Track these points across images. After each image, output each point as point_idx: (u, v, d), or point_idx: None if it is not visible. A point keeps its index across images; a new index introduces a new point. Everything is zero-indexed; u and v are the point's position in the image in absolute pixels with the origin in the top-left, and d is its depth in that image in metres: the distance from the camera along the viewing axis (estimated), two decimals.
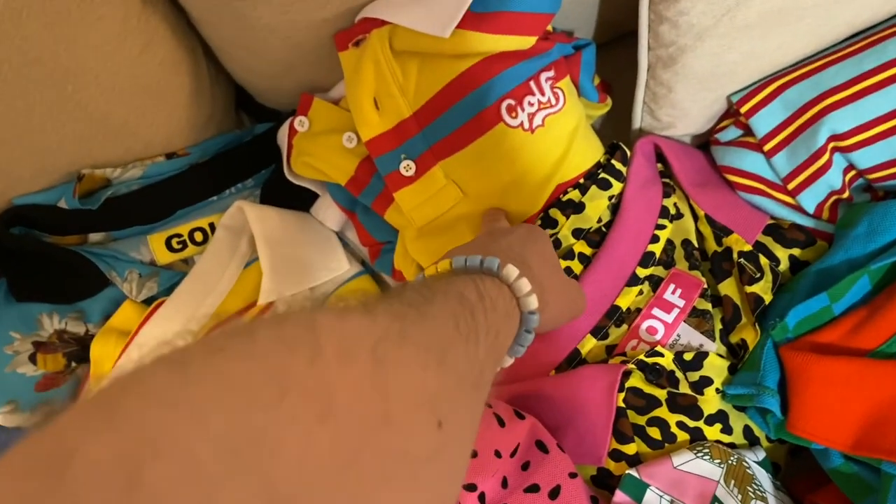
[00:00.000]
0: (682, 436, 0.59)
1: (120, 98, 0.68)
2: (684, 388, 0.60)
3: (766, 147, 0.64)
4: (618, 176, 0.67)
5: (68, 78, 0.64)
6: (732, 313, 0.62)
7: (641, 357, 0.60)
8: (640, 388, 0.60)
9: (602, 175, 0.66)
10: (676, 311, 0.63)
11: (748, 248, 0.63)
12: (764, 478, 0.57)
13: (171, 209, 0.74)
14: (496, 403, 0.59)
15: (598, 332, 0.63)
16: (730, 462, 0.56)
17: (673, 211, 0.67)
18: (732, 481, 0.56)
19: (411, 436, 0.28)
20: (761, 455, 0.59)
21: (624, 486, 0.56)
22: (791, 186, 0.64)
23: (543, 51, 0.64)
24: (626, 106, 0.72)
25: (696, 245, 0.67)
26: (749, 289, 0.61)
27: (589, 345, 0.63)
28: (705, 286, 0.64)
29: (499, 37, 0.61)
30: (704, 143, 0.73)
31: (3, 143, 0.66)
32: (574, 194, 0.65)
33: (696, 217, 0.68)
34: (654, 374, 0.60)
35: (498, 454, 0.55)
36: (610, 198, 0.67)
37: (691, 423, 0.59)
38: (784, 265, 0.64)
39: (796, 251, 0.64)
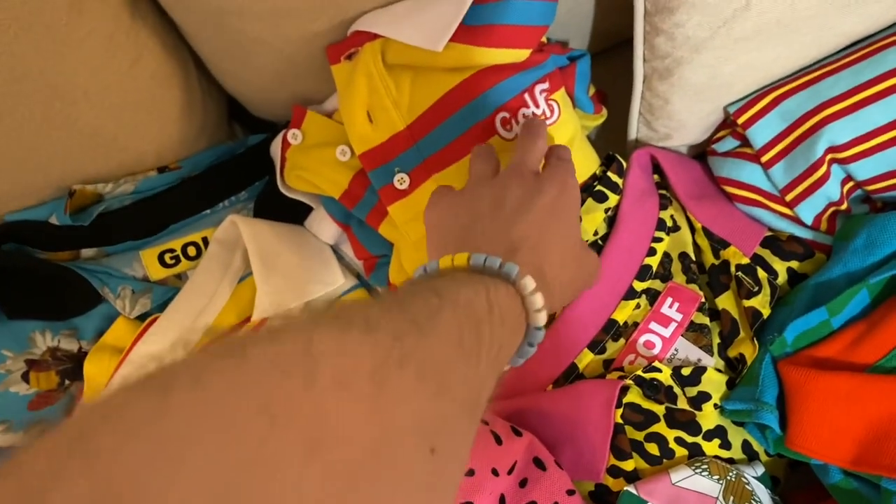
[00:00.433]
0: (681, 451, 0.59)
1: (110, 113, 0.68)
2: (682, 404, 0.60)
3: (764, 158, 0.64)
4: (614, 188, 0.67)
5: (57, 94, 0.64)
6: (730, 327, 0.62)
7: (639, 372, 0.60)
8: (638, 403, 0.60)
9: (598, 187, 0.66)
10: (674, 325, 0.63)
11: (746, 260, 0.63)
12: (763, 493, 0.57)
13: (164, 224, 0.73)
14: (493, 420, 0.59)
15: (596, 346, 0.63)
16: (728, 478, 0.56)
17: (670, 223, 0.67)
18: (731, 497, 0.56)
19: (405, 466, 0.28)
20: (760, 470, 0.59)
21: (622, 502, 0.56)
22: (789, 198, 0.63)
23: (538, 63, 0.64)
24: (621, 115, 0.72)
25: (694, 258, 0.67)
26: (747, 303, 0.61)
27: (586, 359, 0.63)
28: (703, 300, 0.64)
29: (492, 50, 0.61)
30: (701, 153, 0.73)
31: None
32: None
33: (693, 229, 0.68)
34: (652, 389, 0.60)
35: (495, 472, 0.56)
36: (606, 210, 0.67)
37: (689, 439, 0.59)
38: (782, 278, 0.64)
39: (794, 264, 0.64)
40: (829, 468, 0.56)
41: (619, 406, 0.59)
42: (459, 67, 0.62)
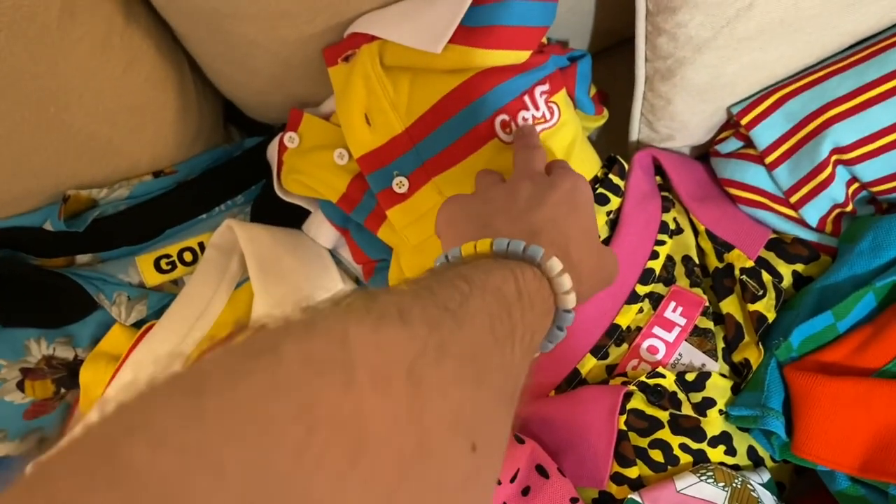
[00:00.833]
0: (685, 458, 0.60)
1: (104, 117, 0.67)
2: (687, 410, 0.60)
3: (768, 159, 0.64)
4: (615, 191, 0.67)
5: (50, 98, 0.63)
6: (735, 332, 0.62)
7: (643, 378, 0.60)
8: (642, 409, 0.60)
9: (600, 190, 0.67)
10: (678, 329, 0.63)
11: (750, 264, 0.64)
12: (769, 500, 0.58)
13: (160, 229, 0.73)
14: None
15: (598, 351, 0.63)
16: (734, 485, 0.57)
17: (672, 226, 0.68)
18: None
19: (447, 465, 0.27)
20: (766, 477, 0.59)
21: None
22: (793, 199, 0.64)
23: (538, 64, 0.64)
24: (623, 116, 0.72)
25: (697, 261, 0.67)
26: (752, 307, 0.62)
27: (589, 364, 0.63)
28: (707, 304, 0.64)
29: (492, 51, 0.61)
30: (704, 154, 0.73)
31: None
32: None
33: (696, 232, 0.68)
34: (656, 395, 0.60)
35: (497, 481, 0.55)
36: (608, 213, 0.67)
37: (694, 446, 0.60)
38: (787, 281, 0.64)
39: (799, 267, 0.64)
40: (835, 475, 0.56)
41: (622, 412, 0.59)
42: (458, 69, 0.62)
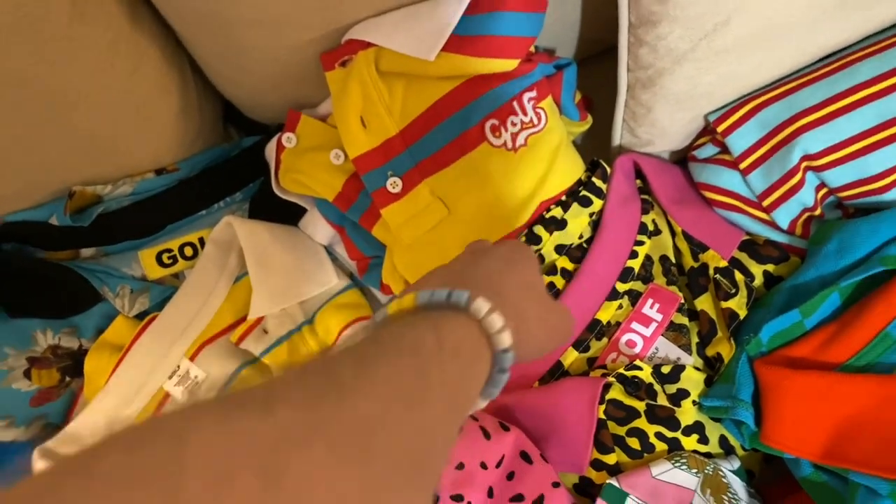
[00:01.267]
0: (661, 446, 0.61)
1: (110, 117, 0.69)
2: (662, 401, 0.61)
3: (742, 165, 0.65)
4: (598, 193, 0.68)
5: (58, 99, 0.65)
6: (709, 328, 0.64)
7: (621, 370, 0.62)
8: (620, 400, 0.62)
9: (583, 192, 0.68)
10: (654, 325, 0.65)
11: (724, 263, 0.65)
12: (739, 486, 0.59)
13: (161, 224, 0.75)
14: (482, 416, 0.61)
15: (580, 344, 0.65)
16: (706, 471, 0.58)
17: (651, 227, 0.69)
18: (708, 490, 0.57)
19: None
20: (736, 464, 0.60)
21: (605, 494, 0.57)
22: (766, 203, 0.65)
23: (526, 72, 0.65)
24: (605, 122, 0.73)
25: (674, 261, 0.68)
26: (724, 304, 0.63)
27: (571, 357, 0.65)
28: (682, 301, 0.66)
29: (482, 59, 0.63)
30: (682, 159, 0.74)
31: None
32: (556, 211, 0.67)
33: (673, 233, 0.69)
34: (634, 386, 0.61)
35: (484, 466, 0.57)
36: (591, 214, 0.68)
37: (669, 434, 0.61)
38: (758, 280, 0.65)
39: (770, 267, 0.66)
40: (800, 462, 0.57)
41: (601, 402, 0.61)
42: (450, 76, 0.64)
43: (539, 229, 0.66)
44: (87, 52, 0.64)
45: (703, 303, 0.65)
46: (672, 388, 0.61)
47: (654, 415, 0.61)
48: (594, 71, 0.79)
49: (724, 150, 0.68)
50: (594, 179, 0.69)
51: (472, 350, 0.37)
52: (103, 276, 0.71)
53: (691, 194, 0.71)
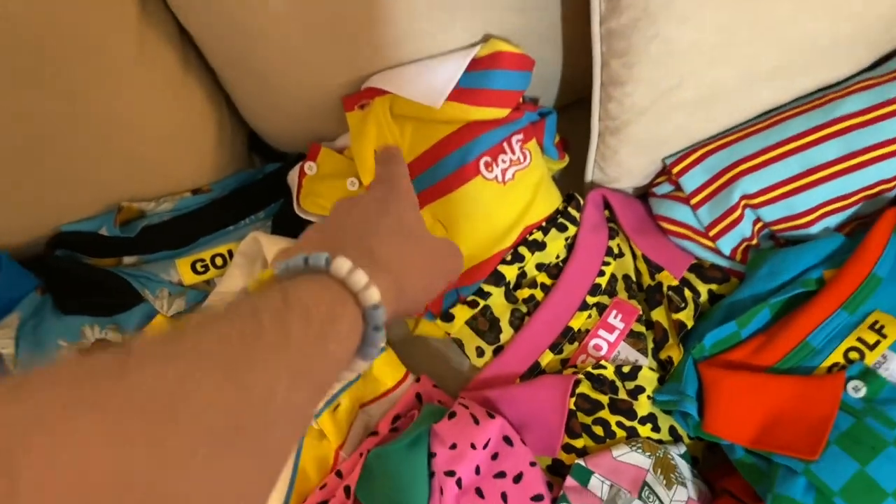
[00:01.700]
0: (621, 433, 0.66)
1: (157, 144, 0.74)
2: (622, 395, 0.66)
3: (693, 201, 0.70)
4: (573, 221, 0.75)
5: (114, 126, 0.70)
6: (662, 335, 0.69)
7: (589, 369, 0.66)
8: (588, 394, 0.67)
9: (560, 220, 0.74)
10: (617, 332, 0.70)
11: (675, 282, 0.70)
12: (685, 467, 0.64)
13: (196, 237, 0.79)
14: (472, 405, 0.65)
15: (555, 348, 0.71)
16: (658, 454, 0.63)
17: (616, 251, 0.75)
18: (659, 470, 0.62)
19: None
20: (683, 449, 0.65)
21: (573, 473, 0.62)
22: (712, 233, 0.70)
23: (515, 119, 0.73)
24: (580, 161, 0.78)
25: (635, 279, 0.74)
26: (675, 316, 0.68)
27: (547, 358, 0.70)
28: (641, 313, 0.71)
29: (480, 108, 0.69)
30: (643, 194, 0.79)
31: (55, 180, 0.73)
32: (538, 235, 0.73)
33: (634, 256, 0.75)
34: (599, 383, 0.67)
35: (473, 446, 0.61)
36: (566, 238, 0.74)
37: (628, 423, 0.66)
38: (704, 297, 0.71)
39: (714, 286, 0.71)
40: (735, 447, 0.61)
41: (572, 396, 0.65)
42: (453, 120, 0.70)
43: (523, 249, 0.72)
44: (145, 87, 0.69)
45: (658, 315, 0.70)
46: (631, 385, 0.66)
47: (615, 407, 0.66)
48: (571, 118, 0.84)
49: (678, 188, 0.72)
50: (570, 209, 0.75)
51: (329, 310, 0.34)
52: (144, 281, 0.76)
53: (650, 224, 0.76)
